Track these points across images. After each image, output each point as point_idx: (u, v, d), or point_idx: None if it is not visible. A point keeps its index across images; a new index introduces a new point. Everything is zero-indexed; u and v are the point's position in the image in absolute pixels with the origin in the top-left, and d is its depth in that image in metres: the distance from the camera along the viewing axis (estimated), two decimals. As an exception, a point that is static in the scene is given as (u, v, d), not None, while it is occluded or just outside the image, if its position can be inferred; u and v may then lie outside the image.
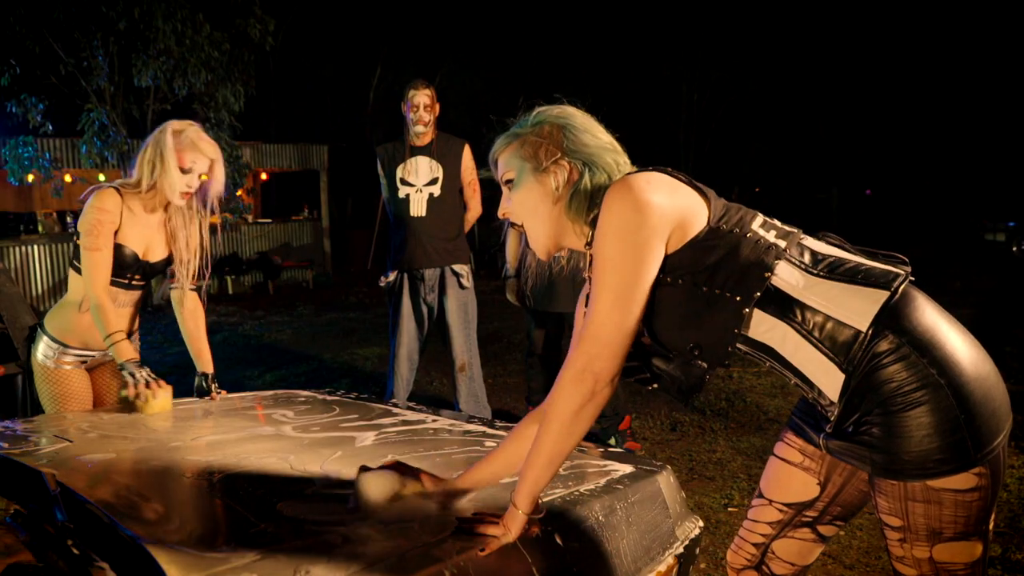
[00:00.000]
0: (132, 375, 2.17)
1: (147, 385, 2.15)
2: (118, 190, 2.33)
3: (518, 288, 4.01)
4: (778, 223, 1.34)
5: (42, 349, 2.41)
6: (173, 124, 2.33)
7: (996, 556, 2.69)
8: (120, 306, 2.44)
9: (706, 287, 1.26)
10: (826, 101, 23.57)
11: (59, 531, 1.17)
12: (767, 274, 1.25)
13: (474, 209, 4.05)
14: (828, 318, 1.22)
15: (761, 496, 1.53)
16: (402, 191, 3.85)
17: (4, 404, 2.98)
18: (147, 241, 2.43)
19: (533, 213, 1.40)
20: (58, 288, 10.64)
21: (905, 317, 1.20)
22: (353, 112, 20.41)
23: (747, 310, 1.25)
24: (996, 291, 9.87)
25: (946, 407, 1.16)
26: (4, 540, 1.24)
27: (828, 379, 1.24)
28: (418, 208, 3.83)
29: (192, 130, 2.33)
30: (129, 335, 2.53)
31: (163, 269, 2.51)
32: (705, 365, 1.34)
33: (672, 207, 1.26)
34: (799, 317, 1.24)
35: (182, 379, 5.72)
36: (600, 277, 1.25)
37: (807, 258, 1.28)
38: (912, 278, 1.26)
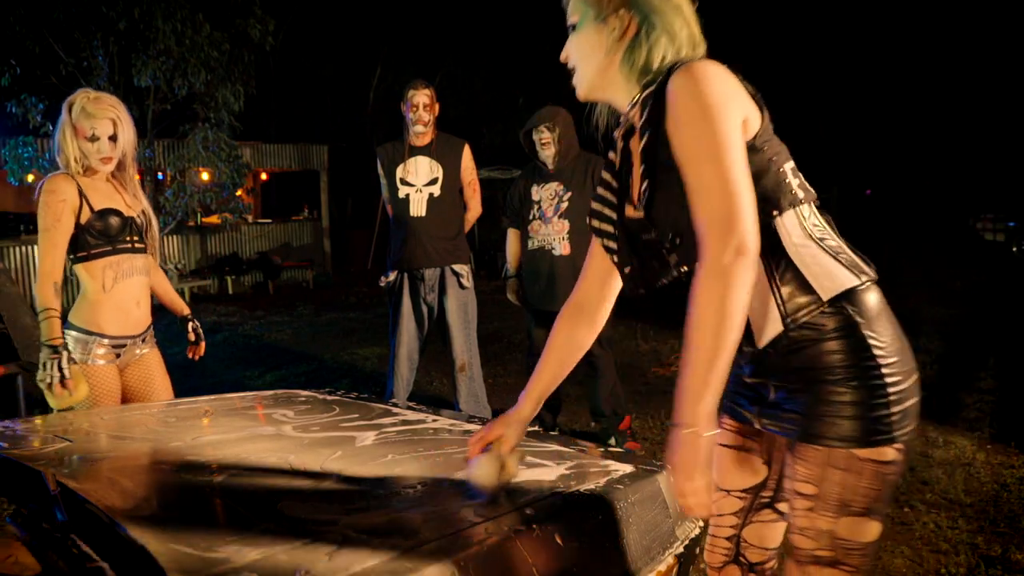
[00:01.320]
0: (46, 363, 2.25)
1: (62, 381, 2.24)
2: (67, 173, 2.42)
3: (518, 288, 4.01)
4: (802, 177, 1.35)
5: (72, 347, 2.41)
6: (69, 99, 2.41)
7: (996, 556, 2.69)
8: (135, 274, 2.51)
9: None
10: (826, 101, 23.58)
11: (59, 531, 1.17)
12: (775, 212, 1.27)
13: (474, 209, 4.05)
14: (798, 275, 1.26)
15: (719, 489, 1.54)
16: (402, 191, 3.85)
17: (4, 404, 2.98)
18: (120, 202, 2.50)
19: (585, 59, 1.38)
20: (67, 281, 10.65)
21: (861, 303, 1.26)
22: (353, 112, 20.41)
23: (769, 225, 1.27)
24: (996, 291, 9.86)
25: (879, 384, 1.22)
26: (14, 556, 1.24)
27: (766, 324, 1.28)
28: (418, 208, 3.83)
29: (82, 98, 2.40)
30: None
31: (147, 226, 2.57)
32: (673, 260, 1.34)
33: (743, 99, 1.25)
34: (776, 263, 1.27)
35: (183, 379, 5.72)
36: (700, 164, 1.18)
37: (810, 219, 1.32)
38: (876, 281, 1.32)
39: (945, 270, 11.67)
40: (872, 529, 1.26)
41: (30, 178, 9.92)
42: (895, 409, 1.22)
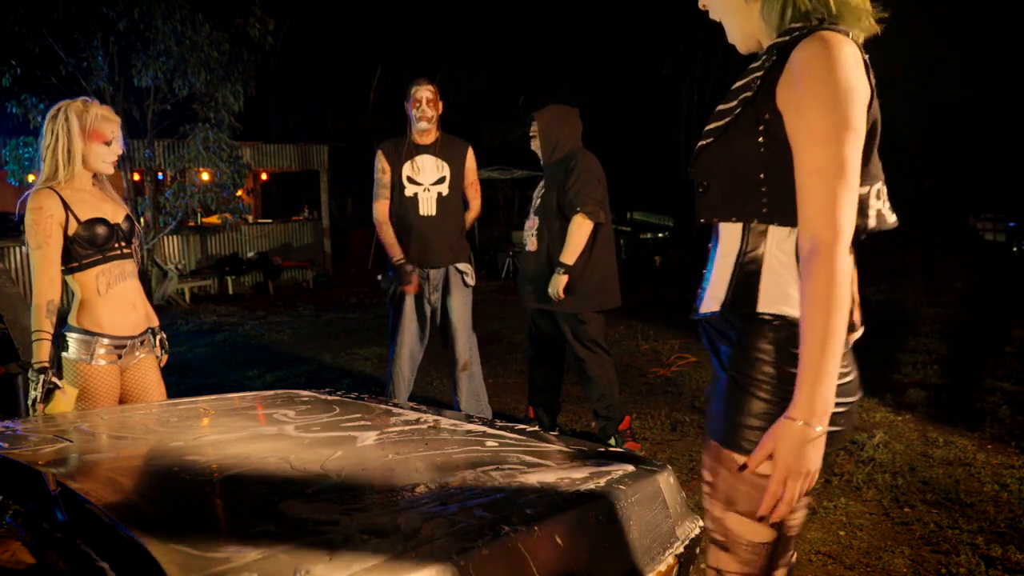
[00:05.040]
0: (32, 383, 2.33)
1: (46, 394, 2.31)
2: (49, 186, 2.43)
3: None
4: (883, 204, 1.31)
5: (75, 348, 2.46)
6: (71, 108, 2.44)
7: (996, 556, 2.69)
8: (127, 278, 2.55)
9: (763, 174, 1.24)
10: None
11: (59, 531, 1.17)
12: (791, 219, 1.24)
13: (475, 209, 4.06)
14: (756, 275, 1.26)
15: None
16: (409, 190, 3.83)
17: (4, 404, 2.99)
18: (106, 210, 2.53)
19: (727, 10, 1.35)
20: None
21: (792, 334, 1.24)
22: (353, 112, 20.42)
23: (768, 226, 1.26)
24: (995, 291, 9.86)
25: (771, 400, 1.22)
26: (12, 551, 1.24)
27: (711, 300, 1.32)
28: (427, 207, 3.82)
29: (94, 107, 2.47)
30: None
31: (132, 231, 2.60)
32: (699, 206, 1.35)
33: (867, 92, 1.19)
34: (749, 255, 1.27)
35: (181, 379, 5.74)
36: (820, 145, 1.16)
37: None
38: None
39: (945, 270, 11.67)
40: (759, 532, 1.27)
41: (30, 178, 9.93)
42: None
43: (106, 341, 2.48)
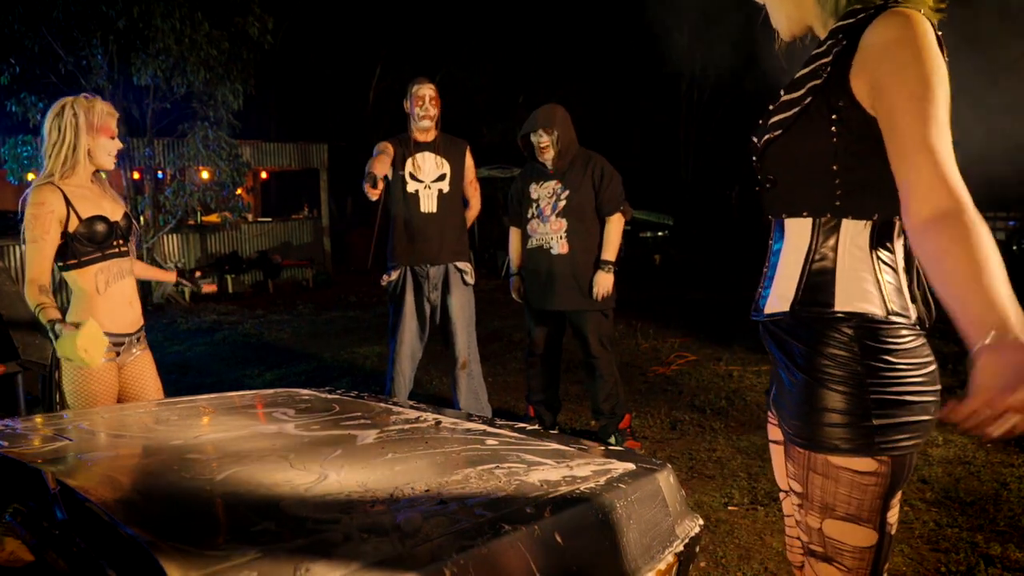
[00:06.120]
0: (54, 332, 2.29)
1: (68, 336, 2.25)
2: (52, 182, 2.43)
3: (520, 285, 4.01)
4: None
5: None
6: (77, 104, 2.45)
7: (996, 555, 2.69)
8: (125, 276, 2.56)
9: (836, 165, 1.21)
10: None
11: (59, 530, 1.17)
12: (865, 213, 1.21)
13: (475, 207, 4.06)
14: (830, 273, 1.23)
15: (780, 489, 1.53)
16: (411, 186, 3.83)
17: (4, 403, 2.99)
18: (106, 207, 2.54)
19: None
20: (58, 287, 10.64)
21: (872, 331, 1.22)
22: (353, 112, 20.42)
23: (841, 220, 1.23)
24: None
25: (859, 395, 1.19)
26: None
27: (779, 299, 1.29)
28: (429, 204, 3.82)
29: (99, 103, 2.50)
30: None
31: (130, 229, 2.62)
32: (765, 201, 1.33)
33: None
34: (817, 252, 1.24)
35: (181, 378, 5.74)
36: (923, 109, 1.10)
37: (888, 236, 1.25)
38: (917, 326, 1.27)
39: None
40: (861, 535, 1.23)
41: (30, 177, 9.93)
42: (877, 422, 1.18)
43: (105, 338, 2.47)
